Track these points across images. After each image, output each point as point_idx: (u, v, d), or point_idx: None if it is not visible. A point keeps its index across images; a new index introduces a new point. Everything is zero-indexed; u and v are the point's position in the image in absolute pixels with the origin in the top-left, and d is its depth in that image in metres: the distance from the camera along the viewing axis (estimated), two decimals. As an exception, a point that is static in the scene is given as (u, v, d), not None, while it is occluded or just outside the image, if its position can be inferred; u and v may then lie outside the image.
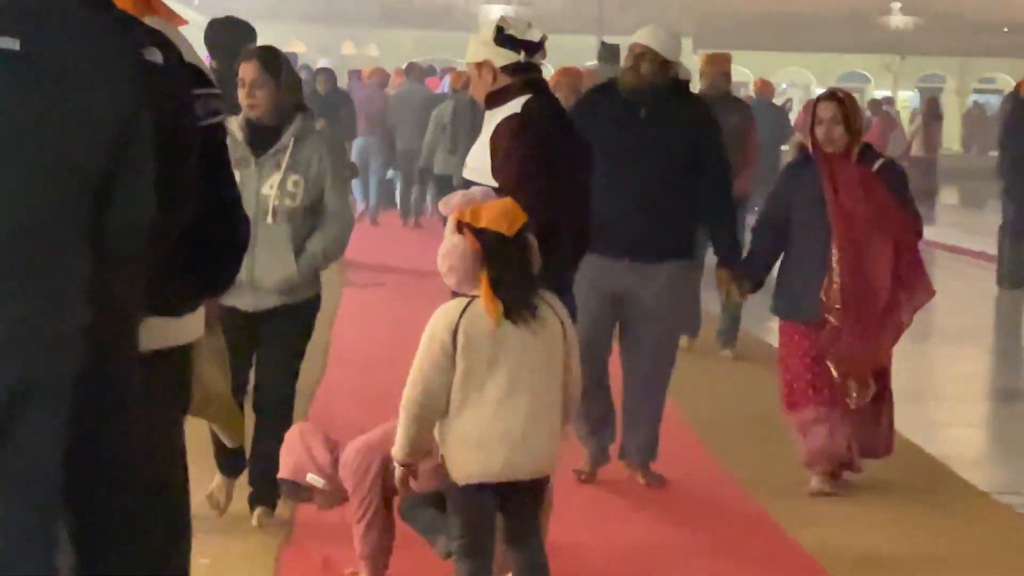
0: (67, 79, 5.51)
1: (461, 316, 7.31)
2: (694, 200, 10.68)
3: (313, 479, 8.53)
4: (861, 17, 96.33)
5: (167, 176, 5.77)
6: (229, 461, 9.56)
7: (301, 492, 8.68)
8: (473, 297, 7.33)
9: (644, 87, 10.66)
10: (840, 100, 10.70)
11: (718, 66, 16.51)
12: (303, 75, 28.88)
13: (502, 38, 8.65)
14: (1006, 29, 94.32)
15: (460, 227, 7.35)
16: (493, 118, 8.60)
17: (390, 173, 33.15)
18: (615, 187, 10.24)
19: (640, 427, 10.97)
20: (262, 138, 9.29)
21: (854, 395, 10.55)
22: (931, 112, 43.49)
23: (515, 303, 7.28)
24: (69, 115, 5.50)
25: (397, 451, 7.51)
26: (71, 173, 5.53)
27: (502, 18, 8.89)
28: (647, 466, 11.04)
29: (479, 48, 8.71)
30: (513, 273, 7.30)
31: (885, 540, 10.14)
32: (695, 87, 13.66)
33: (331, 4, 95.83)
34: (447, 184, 23.38)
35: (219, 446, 9.44)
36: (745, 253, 11.14)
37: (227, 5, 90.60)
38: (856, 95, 14.84)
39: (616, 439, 11.22)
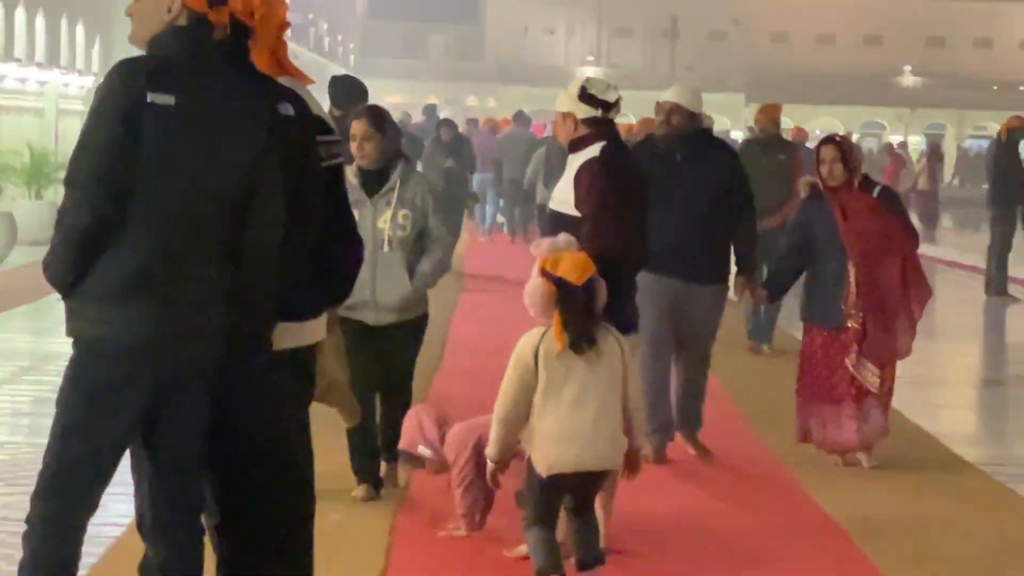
0: (211, 127, 5.52)
1: (540, 341, 7.31)
2: (726, 225, 10.51)
3: (423, 451, 8.51)
4: (880, 77, 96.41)
5: (295, 205, 5.76)
6: (387, 452, 9.47)
7: (415, 460, 8.66)
8: (550, 326, 7.33)
9: (676, 136, 10.48)
10: (838, 143, 10.66)
11: (769, 114, 16.33)
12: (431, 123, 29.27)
13: (585, 95, 8.46)
14: (995, 87, 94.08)
15: (542, 272, 7.36)
16: (575, 161, 8.42)
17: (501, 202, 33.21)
18: (663, 219, 9.84)
19: (690, 404, 10.74)
20: (373, 181, 9.13)
21: (872, 378, 10.39)
22: (934, 154, 44.15)
23: (578, 338, 7.29)
24: (212, 155, 5.51)
25: (490, 450, 7.50)
26: (213, 201, 5.50)
27: (587, 79, 8.67)
28: (695, 436, 10.80)
29: (566, 101, 8.52)
30: (579, 315, 7.30)
31: (893, 506, 9.88)
32: (748, 132, 14.05)
33: (459, 65, 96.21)
34: (543, 211, 23.50)
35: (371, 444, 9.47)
36: (769, 271, 11.30)
37: (384, 65, 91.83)
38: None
39: (674, 439, 10.83)
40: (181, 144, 5.44)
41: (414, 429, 8.63)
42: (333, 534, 7.84)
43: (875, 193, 10.47)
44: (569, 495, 7.41)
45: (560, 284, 7.30)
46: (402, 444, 8.68)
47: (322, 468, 6.34)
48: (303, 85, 6.14)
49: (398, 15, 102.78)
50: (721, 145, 11.00)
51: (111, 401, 5.45)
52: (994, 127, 77.89)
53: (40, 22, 30.47)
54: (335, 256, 6.18)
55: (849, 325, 10.25)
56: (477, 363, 14.09)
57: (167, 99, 5.40)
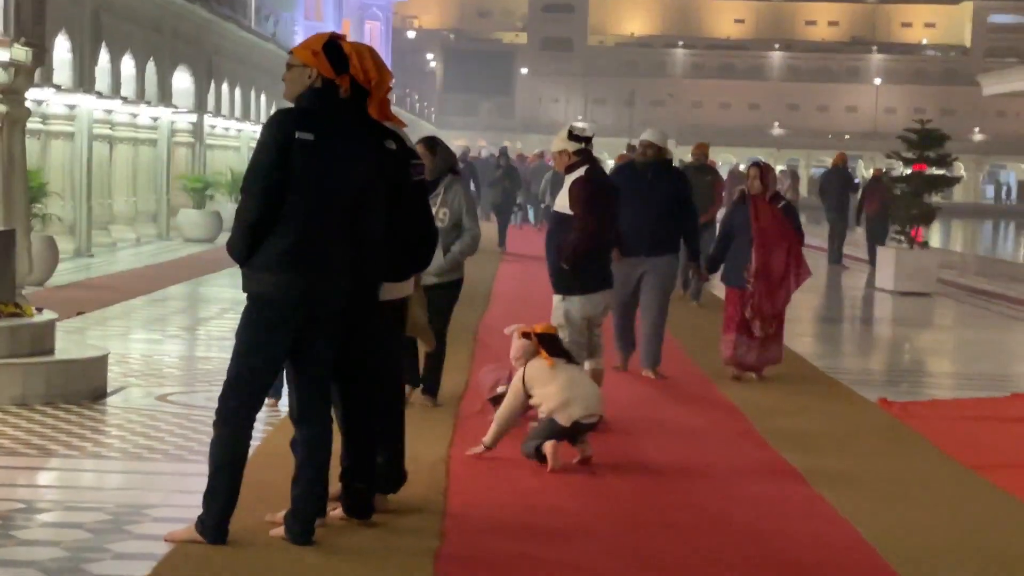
0: (338, 155, 5.35)
1: (523, 376, 7.19)
2: (677, 223, 10.21)
3: (502, 389, 7.81)
4: (758, 129, 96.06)
5: (395, 207, 5.68)
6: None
7: (497, 401, 7.82)
8: (534, 355, 7.23)
9: (648, 162, 10.19)
10: (760, 166, 10.52)
11: (701, 149, 16.72)
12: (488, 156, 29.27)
13: (572, 136, 8.33)
14: (830, 135, 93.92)
15: (526, 336, 7.24)
16: (568, 179, 8.31)
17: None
18: (636, 217, 9.88)
19: (650, 346, 10.28)
20: (428, 189, 8.68)
21: (758, 328, 10.22)
22: (794, 177, 43.47)
23: (559, 356, 7.25)
24: (338, 174, 5.34)
25: (488, 439, 7.17)
26: (339, 204, 5.35)
27: (571, 125, 8.78)
28: (655, 369, 10.27)
29: (559, 142, 8.39)
30: (556, 345, 7.30)
31: (772, 397, 9.56)
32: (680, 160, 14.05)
33: (499, 121, 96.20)
34: (549, 211, 23.47)
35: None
36: (709, 254, 10.83)
37: (453, 121, 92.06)
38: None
39: (635, 352, 10.53)
40: (318, 167, 5.28)
41: (494, 378, 8.10)
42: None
43: (780, 205, 10.28)
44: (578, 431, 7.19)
45: (541, 335, 7.23)
46: (487, 395, 8.08)
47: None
48: (400, 128, 5.96)
49: (461, 90, 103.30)
50: (676, 170, 10.73)
51: (272, 334, 5.29)
52: (827, 161, 78.50)
53: (237, 92, 30.20)
54: (418, 239, 5.96)
55: (748, 287, 10.07)
56: (514, 313, 13.36)
57: (308, 136, 5.27)
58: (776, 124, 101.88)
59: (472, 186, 25.61)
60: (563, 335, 8.01)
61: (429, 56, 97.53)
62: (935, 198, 19.47)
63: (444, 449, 7.33)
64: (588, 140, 8.30)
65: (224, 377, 5.35)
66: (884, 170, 26.16)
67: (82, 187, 19.22)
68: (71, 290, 14.90)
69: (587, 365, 8.25)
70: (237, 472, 5.26)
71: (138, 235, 22.71)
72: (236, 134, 30.33)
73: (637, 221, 9.85)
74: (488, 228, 28.01)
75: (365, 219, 5.40)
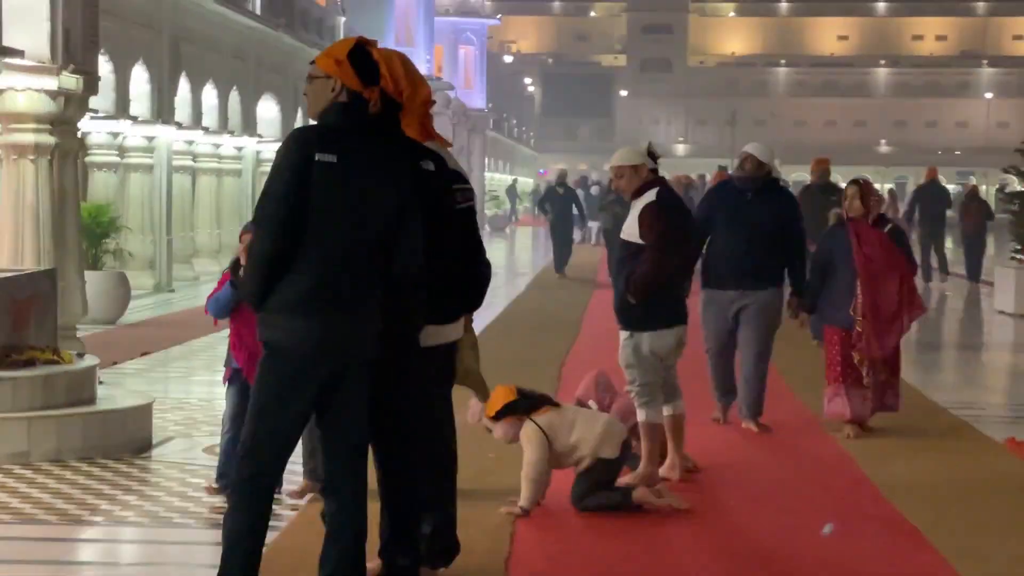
0: (365, 180, 4.58)
1: (534, 428, 6.51)
2: (781, 251, 8.76)
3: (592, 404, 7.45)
4: (864, 146, 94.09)
5: (436, 237, 4.86)
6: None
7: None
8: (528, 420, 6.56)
9: (747, 178, 8.87)
10: (859, 184, 9.19)
11: (821, 166, 14.44)
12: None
13: (651, 152, 7.33)
14: (940, 152, 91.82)
15: (500, 415, 6.52)
16: (638, 203, 7.20)
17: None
18: (733, 244, 8.69)
19: (751, 393, 8.86)
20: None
21: (867, 375, 8.79)
22: (891, 196, 41.46)
23: (540, 403, 6.65)
24: (366, 200, 4.58)
25: (525, 502, 6.46)
26: (368, 236, 4.57)
27: (649, 141, 7.68)
28: (756, 419, 8.85)
29: (632, 155, 7.26)
30: (531, 397, 6.63)
31: (896, 444, 8.56)
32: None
33: (599, 144, 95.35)
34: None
35: None
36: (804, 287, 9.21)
37: (552, 144, 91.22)
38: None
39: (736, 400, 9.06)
40: (341, 193, 4.52)
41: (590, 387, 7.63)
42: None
43: (886, 229, 8.89)
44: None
45: (511, 406, 6.51)
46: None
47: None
48: (444, 147, 5.19)
49: (560, 113, 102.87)
50: (783, 190, 9.17)
51: (292, 389, 4.53)
52: (941, 178, 76.58)
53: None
54: (468, 275, 5.20)
55: (856, 327, 8.69)
56: (603, 344, 12.69)
57: (331, 157, 4.50)
58: (883, 142, 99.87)
59: (575, 211, 24.84)
60: (631, 375, 7.16)
61: (527, 80, 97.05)
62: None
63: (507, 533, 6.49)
64: (657, 158, 7.36)
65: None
66: (976, 184, 24.94)
67: (162, 220, 18.77)
68: (143, 328, 14.36)
69: (665, 411, 7.30)
70: (253, 553, 4.51)
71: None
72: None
73: (734, 248, 8.68)
74: (593, 254, 27.48)
75: (400, 252, 4.60)
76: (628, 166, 7.21)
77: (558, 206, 23.93)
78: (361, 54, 4.63)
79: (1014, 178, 19.72)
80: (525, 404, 6.58)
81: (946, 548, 5.99)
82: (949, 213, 23.46)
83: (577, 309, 17.03)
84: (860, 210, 8.78)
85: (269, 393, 4.51)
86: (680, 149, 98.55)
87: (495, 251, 35.55)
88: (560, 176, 25.26)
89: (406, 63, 4.76)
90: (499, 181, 64.45)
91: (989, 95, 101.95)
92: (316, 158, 4.46)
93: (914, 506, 6.75)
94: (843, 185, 9.18)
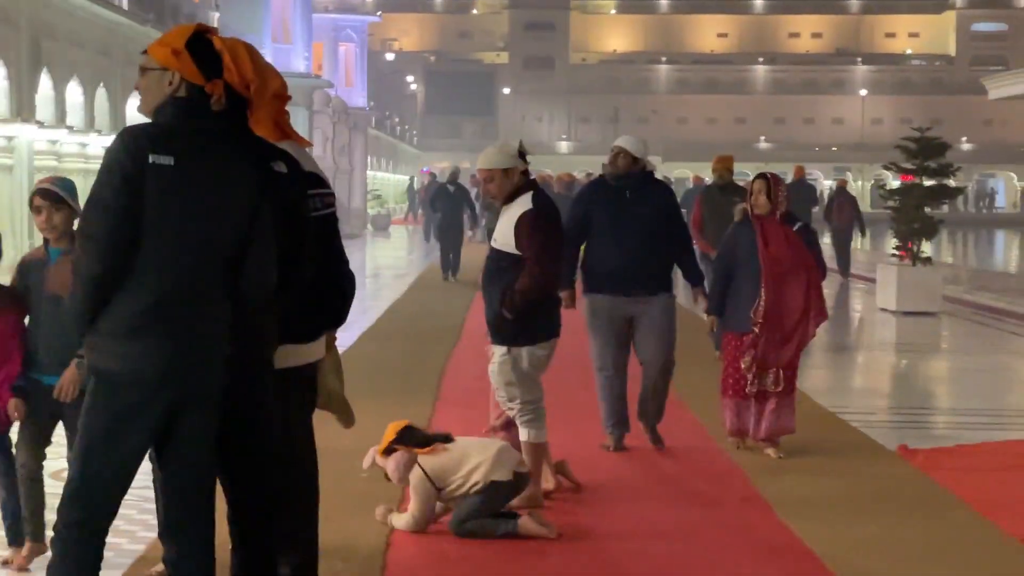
0: (207, 185, 4.01)
1: (419, 469, 6.20)
2: (667, 248, 8.14)
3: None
4: (745, 143, 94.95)
5: (290, 248, 4.24)
6: None
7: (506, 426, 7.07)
8: (415, 457, 6.26)
9: (622, 176, 8.06)
10: (766, 179, 8.48)
11: (725, 163, 12.97)
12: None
13: (522, 152, 6.75)
14: (816, 148, 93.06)
15: (390, 450, 6.26)
16: (511, 209, 6.68)
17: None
18: (616, 246, 8.03)
19: (653, 402, 8.20)
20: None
21: (752, 384, 8.14)
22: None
23: (429, 440, 6.35)
24: (210, 208, 4.01)
25: (409, 526, 6.17)
26: (211, 248, 4.00)
27: (520, 141, 6.94)
28: (654, 427, 8.25)
29: (504, 157, 6.67)
30: (418, 433, 6.37)
31: (787, 457, 8.12)
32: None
33: (481, 142, 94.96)
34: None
35: None
36: (709, 291, 8.58)
37: (435, 143, 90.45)
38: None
39: (630, 430, 8.28)
40: (180, 200, 3.95)
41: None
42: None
43: (795, 227, 8.22)
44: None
45: (403, 434, 6.29)
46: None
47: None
48: (302, 147, 4.69)
49: (443, 111, 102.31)
50: (660, 184, 8.39)
51: (126, 424, 3.97)
52: (819, 174, 77.50)
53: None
54: (329, 289, 4.69)
55: (754, 331, 8.07)
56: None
57: (167, 160, 3.94)
58: (763, 138, 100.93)
59: (467, 210, 23.06)
60: (511, 394, 6.68)
61: (409, 79, 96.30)
62: (942, 209, 18.30)
63: (384, 537, 6.04)
64: (526, 156, 6.78)
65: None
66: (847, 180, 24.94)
67: (23, 223, 17.92)
68: None
69: (525, 434, 6.73)
70: (82, 609, 3.97)
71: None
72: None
73: (619, 250, 8.01)
74: (480, 253, 26.59)
75: (249, 266, 4.04)
76: (499, 170, 6.64)
77: (448, 205, 22.26)
78: (201, 43, 4.07)
79: (888, 173, 19.73)
80: (417, 436, 6.25)
81: (843, 573, 5.66)
82: (815, 211, 23.40)
83: (458, 314, 16.48)
84: (767, 206, 8.14)
85: (99, 428, 3.95)
86: (564, 147, 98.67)
87: (377, 251, 34.94)
88: (452, 174, 23.41)
89: (253, 53, 4.22)
90: (382, 180, 63.78)
91: (864, 92, 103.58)
92: (150, 161, 3.90)
93: (809, 526, 6.40)
94: (747, 184, 8.56)
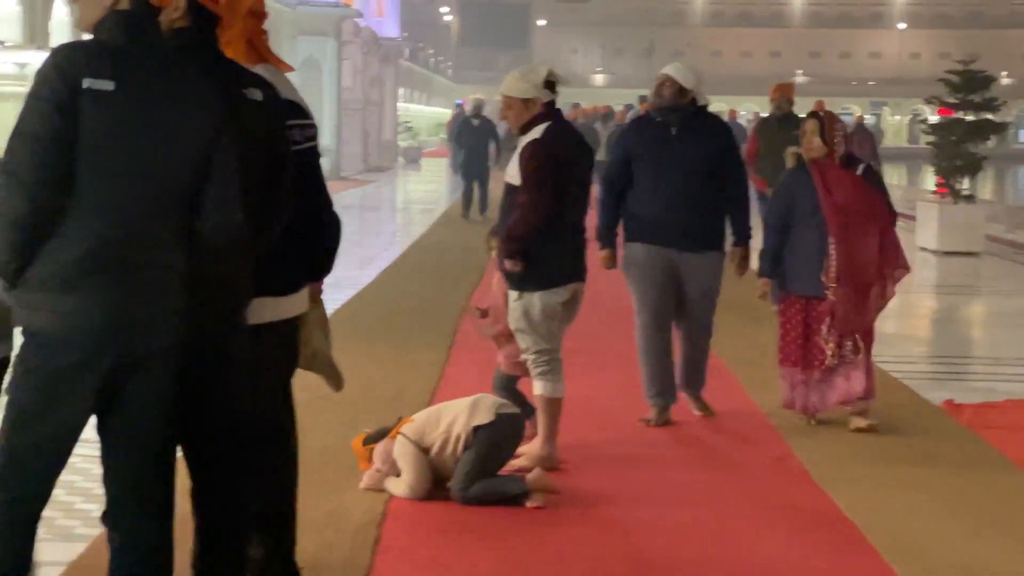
0: (155, 113, 3.38)
1: (408, 440, 5.62)
2: (719, 195, 7.05)
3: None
4: (780, 77, 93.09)
5: (264, 187, 3.63)
6: None
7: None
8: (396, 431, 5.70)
9: (667, 108, 7.01)
10: (817, 117, 7.35)
11: (782, 94, 11.64)
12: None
13: (549, 81, 6.07)
14: (853, 83, 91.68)
15: (372, 438, 5.80)
16: (524, 140, 6.08)
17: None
18: (657, 191, 7.01)
19: (694, 367, 7.24)
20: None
21: (833, 353, 6.98)
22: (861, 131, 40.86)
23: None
24: (158, 139, 3.38)
25: (405, 493, 5.58)
26: (161, 185, 3.38)
27: (549, 69, 6.14)
28: (699, 395, 7.33)
29: (526, 87, 6.02)
30: (387, 428, 5.79)
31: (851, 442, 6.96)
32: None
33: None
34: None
35: None
36: (763, 247, 7.39)
37: (469, 75, 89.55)
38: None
39: (677, 401, 7.28)
40: (122, 131, 3.33)
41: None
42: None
43: (859, 170, 7.11)
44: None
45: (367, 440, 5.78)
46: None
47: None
48: (281, 71, 4.11)
49: (478, 44, 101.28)
50: (714, 119, 7.27)
51: (62, 390, 3.37)
52: (856, 109, 76.30)
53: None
54: (311, 235, 4.08)
55: (827, 295, 6.97)
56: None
57: (105, 85, 3.32)
58: (798, 72, 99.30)
59: (493, 147, 21.48)
60: (524, 342, 6.09)
61: (444, 9, 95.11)
62: (987, 145, 17.51)
63: (381, 505, 5.47)
64: (556, 86, 6.09)
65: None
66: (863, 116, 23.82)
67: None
68: None
69: (539, 388, 6.13)
70: (12, 599, 3.41)
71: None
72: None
73: (662, 196, 6.99)
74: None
75: (207, 204, 3.42)
76: (518, 99, 6.02)
77: (472, 140, 21.14)
78: (151, -55, 3.46)
79: (926, 108, 18.94)
80: (381, 430, 5.77)
81: (885, 547, 5.06)
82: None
83: (481, 253, 15.72)
84: (821, 149, 7.04)
85: (31, 396, 3.36)
86: (598, 79, 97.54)
87: (408, 185, 34.28)
88: (476, 107, 22.01)
89: (218, -39, 3.59)
90: (415, 113, 62.93)
91: (902, 26, 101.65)
92: (84, 85, 3.28)
93: (847, 492, 5.80)
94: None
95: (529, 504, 5.48)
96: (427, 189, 32.80)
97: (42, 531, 3.52)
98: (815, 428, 7.02)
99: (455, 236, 17.91)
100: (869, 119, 75.17)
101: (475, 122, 21.32)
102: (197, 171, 3.40)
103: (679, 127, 7.02)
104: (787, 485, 6.03)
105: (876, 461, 6.43)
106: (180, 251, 3.40)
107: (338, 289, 12.12)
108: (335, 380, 4.37)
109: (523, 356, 6.14)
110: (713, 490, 5.93)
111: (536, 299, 6.00)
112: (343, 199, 25.21)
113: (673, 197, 6.98)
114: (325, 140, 31.52)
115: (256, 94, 3.65)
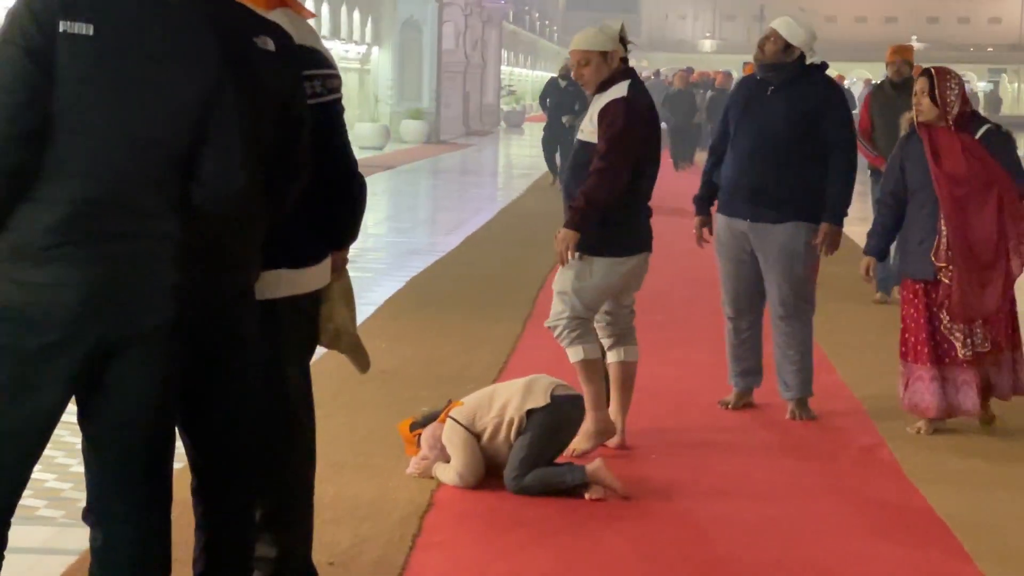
0: (145, 60, 2.96)
1: (453, 418, 5.20)
2: (817, 166, 6.25)
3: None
4: (897, 43, 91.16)
5: (279, 149, 3.20)
6: None
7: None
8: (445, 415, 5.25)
9: (768, 64, 6.33)
10: (929, 75, 6.44)
11: (901, 55, 10.49)
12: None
13: (623, 37, 5.63)
14: (972, 49, 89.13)
15: (420, 424, 5.35)
16: (601, 98, 5.57)
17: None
18: (735, 154, 6.33)
19: (789, 365, 6.43)
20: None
21: (962, 344, 6.04)
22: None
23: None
24: (145, 92, 2.95)
25: (454, 481, 5.13)
26: (149, 146, 2.96)
27: (621, 25, 5.73)
28: (803, 399, 6.45)
29: (603, 39, 5.57)
30: (434, 412, 5.35)
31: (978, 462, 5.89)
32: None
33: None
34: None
35: None
36: (872, 227, 6.51)
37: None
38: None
39: (761, 384, 6.65)
40: (102, 83, 2.92)
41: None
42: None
43: (979, 134, 6.16)
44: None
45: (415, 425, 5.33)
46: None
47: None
48: (302, 18, 3.63)
49: (585, 7, 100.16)
50: (822, 80, 6.44)
51: (37, 372, 2.98)
52: (971, 76, 74.13)
53: (325, 7, 27.84)
54: (334, 198, 3.64)
55: (942, 278, 6.10)
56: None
57: (84, 28, 2.91)
58: (914, 38, 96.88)
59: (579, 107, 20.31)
60: (562, 305, 5.58)
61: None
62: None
63: (427, 494, 5.06)
64: (628, 45, 5.62)
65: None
66: None
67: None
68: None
69: (611, 357, 5.73)
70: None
71: None
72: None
73: (735, 163, 6.35)
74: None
75: (205, 166, 3.00)
76: (597, 52, 5.56)
77: (556, 101, 20.32)
78: None
79: None
80: (429, 414, 5.33)
81: (980, 553, 4.54)
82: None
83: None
84: (932, 111, 6.17)
85: (1, 379, 2.97)
86: (707, 45, 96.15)
87: (509, 149, 33.82)
88: (564, 67, 20.83)
89: None
90: (519, 76, 62.35)
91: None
92: (61, 28, 2.88)
93: (942, 490, 5.26)
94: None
95: (588, 496, 5.03)
96: (527, 154, 32.27)
97: (60, 515, 3.16)
98: (910, 417, 6.41)
99: (547, 203, 17.42)
100: (986, 86, 73.06)
101: (562, 83, 20.37)
102: (193, 131, 2.99)
103: (777, 87, 6.36)
104: (876, 479, 5.51)
105: (975, 456, 5.87)
106: (174, 221, 2.99)
107: (418, 256, 11.74)
108: (361, 360, 3.93)
109: (550, 322, 5.66)
110: (795, 483, 5.43)
111: (597, 265, 5.54)
112: (440, 163, 24.87)
113: (746, 160, 6.35)
114: (424, 103, 31.23)
115: (268, 43, 3.21)
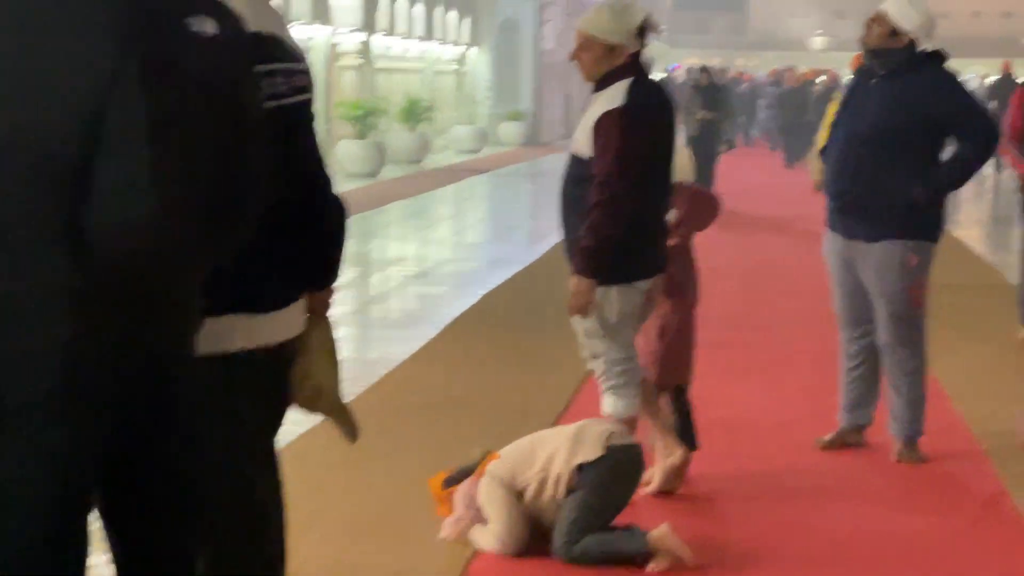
0: (13, 43, 2.25)
1: (494, 475, 4.39)
2: (920, 173, 5.32)
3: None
4: (1013, 38, 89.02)
5: (225, 159, 2.42)
6: None
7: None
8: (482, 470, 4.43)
9: (873, 51, 5.42)
10: None
11: None
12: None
13: (643, 28, 4.66)
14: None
15: (453, 480, 4.51)
16: (598, 99, 4.67)
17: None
18: (829, 160, 5.49)
19: (896, 400, 5.57)
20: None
21: None
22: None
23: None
24: (15, 86, 2.24)
25: (493, 546, 4.36)
26: (23, 158, 2.26)
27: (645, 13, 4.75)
28: (910, 441, 5.58)
29: (613, 25, 4.62)
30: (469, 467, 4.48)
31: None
32: None
33: (733, 38, 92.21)
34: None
35: None
36: None
37: (684, 39, 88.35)
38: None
39: (872, 421, 5.75)
40: None
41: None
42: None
43: None
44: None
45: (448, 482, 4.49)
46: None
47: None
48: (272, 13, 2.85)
49: (692, 7, 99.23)
50: (934, 72, 5.41)
51: None
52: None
53: (421, 7, 27.17)
54: (304, 226, 2.86)
55: None
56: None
57: None
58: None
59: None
60: (594, 348, 4.73)
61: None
62: None
63: (462, 562, 4.27)
64: (647, 35, 4.66)
65: None
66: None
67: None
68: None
69: (609, 405, 4.76)
70: None
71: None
72: (418, 55, 27.26)
73: (830, 170, 5.50)
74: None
75: (100, 182, 2.23)
76: (601, 41, 4.67)
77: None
78: None
79: None
80: (464, 469, 4.50)
81: None
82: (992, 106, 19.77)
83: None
84: None
85: None
86: (817, 43, 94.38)
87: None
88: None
89: None
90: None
91: None
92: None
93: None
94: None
95: (652, 568, 4.21)
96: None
97: None
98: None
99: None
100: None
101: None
102: (83, 137, 2.24)
103: (881, 78, 5.43)
104: (999, 538, 4.61)
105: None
106: (62, 257, 2.27)
107: (495, 268, 10.97)
108: (348, 427, 3.11)
109: (590, 365, 4.82)
110: (903, 545, 4.56)
111: (614, 295, 4.64)
112: (539, 166, 24.06)
113: (839, 164, 5.44)
114: (523, 104, 30.50)
115: (207, 25, 2.44)
